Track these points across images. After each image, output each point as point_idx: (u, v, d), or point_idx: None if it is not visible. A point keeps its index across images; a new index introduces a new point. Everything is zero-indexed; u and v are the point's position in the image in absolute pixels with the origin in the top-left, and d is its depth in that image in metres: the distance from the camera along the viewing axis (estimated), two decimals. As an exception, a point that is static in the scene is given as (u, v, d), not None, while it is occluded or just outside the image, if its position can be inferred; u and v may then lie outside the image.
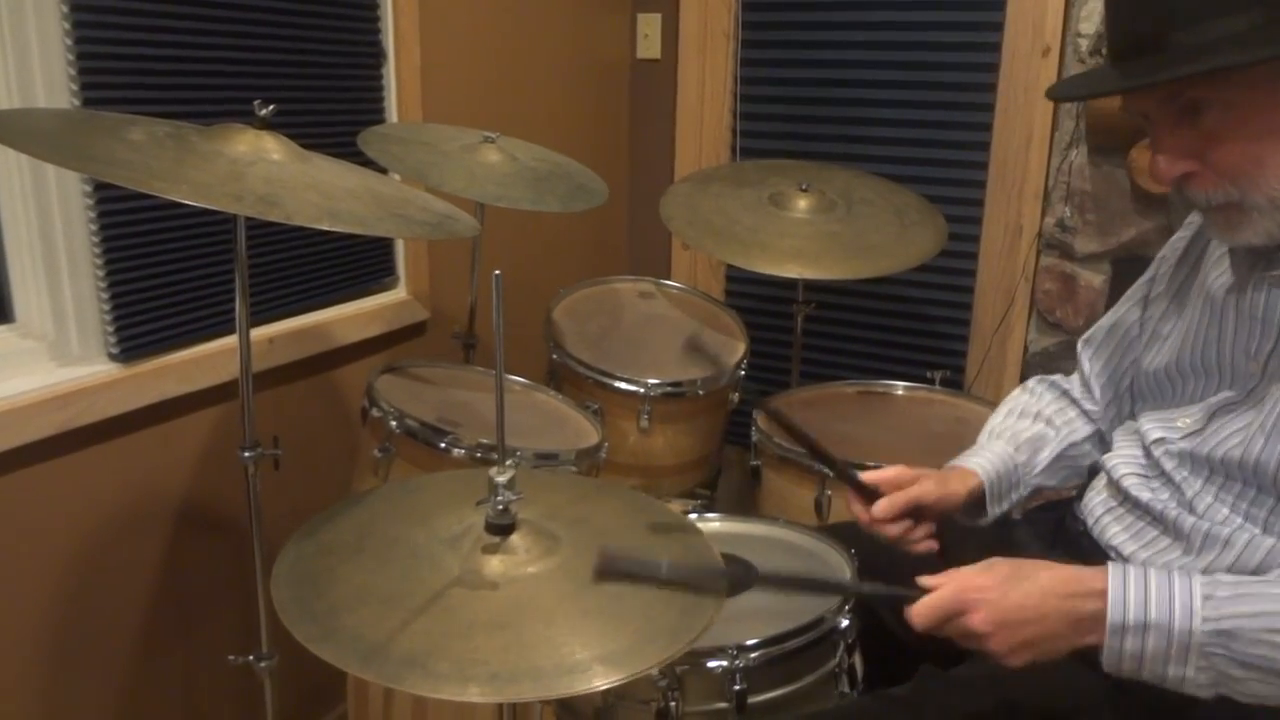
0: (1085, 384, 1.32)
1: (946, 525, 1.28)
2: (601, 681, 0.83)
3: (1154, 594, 0.90)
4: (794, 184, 2.00)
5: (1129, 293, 1.28)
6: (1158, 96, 0.98)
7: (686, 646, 0.89)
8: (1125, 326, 1.27)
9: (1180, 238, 1.21)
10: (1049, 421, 1.29)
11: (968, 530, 1.31)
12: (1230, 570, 1.01)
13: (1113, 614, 0.90)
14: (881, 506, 1.15)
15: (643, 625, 0.90)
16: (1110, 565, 0.94)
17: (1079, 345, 1.34)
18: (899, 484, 1.17)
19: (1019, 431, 1.29)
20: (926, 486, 1.17)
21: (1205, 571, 1.02)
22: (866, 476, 1.18)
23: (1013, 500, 1.26)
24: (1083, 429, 1.30)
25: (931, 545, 1.18)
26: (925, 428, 1.87)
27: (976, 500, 1.23)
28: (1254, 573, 1.00)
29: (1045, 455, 1.27)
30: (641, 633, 0.89)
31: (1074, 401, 1.32)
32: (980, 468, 1.24)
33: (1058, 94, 1.08)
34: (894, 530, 1.16)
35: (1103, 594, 0.92)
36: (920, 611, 0.97)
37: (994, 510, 1.24)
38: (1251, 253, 1.05)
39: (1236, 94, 0.93)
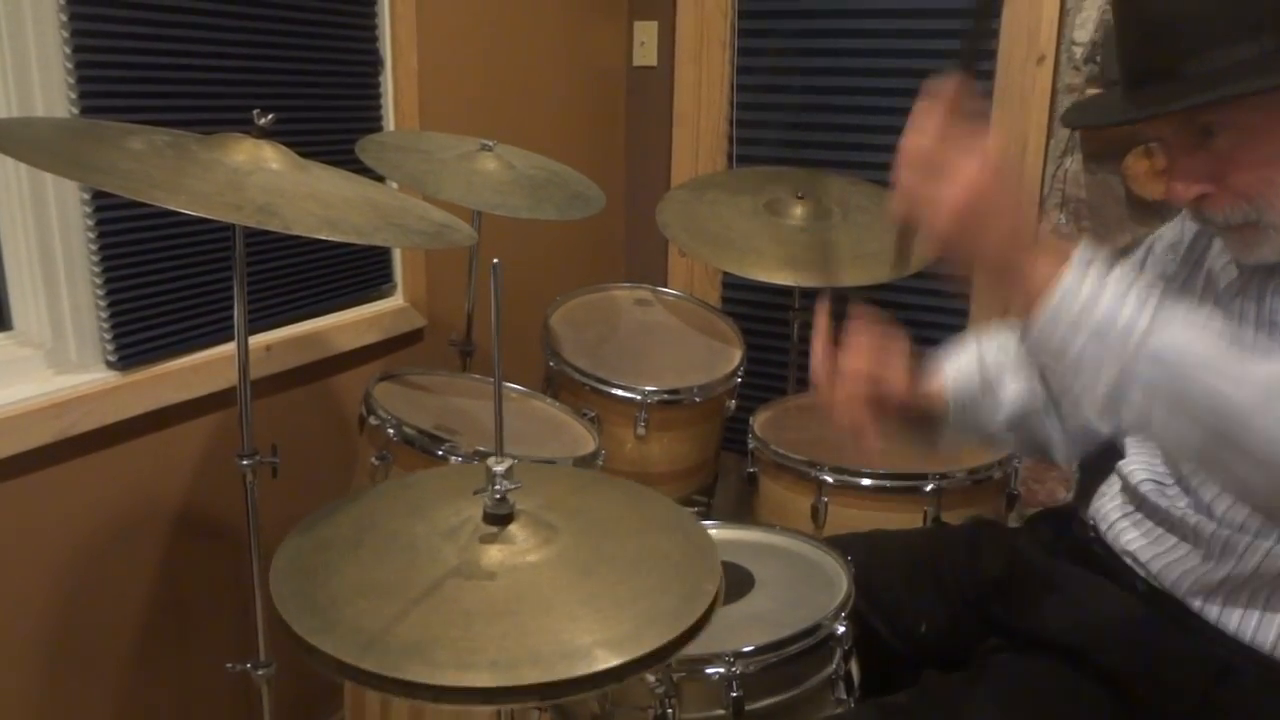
0: None
1: (950, 544, 1.26)
2: (604, 665, 0.83)
3: (1110, 287, 0.83)
4: (790, 191, 2.00)
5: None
6: (1172, 122, 0.99)
7: (685, 629, 0.89)
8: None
9: (1175, 240, 1.21)
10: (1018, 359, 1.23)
11: (974, 556, 1.30)
12: (1250, 580, 1.01)
13: (1069, 276, 0.83)
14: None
15: (643, 610, 0.91)
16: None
17: None
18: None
19: (1003, 345, 1.23)
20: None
21: (1227, 580, 1.02)
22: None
23: (986, 405, 1.19)
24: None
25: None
26: (921, 434, 1.87)
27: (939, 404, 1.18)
28: (1275, 581, 1.00)
29: (1015, 380, 1.20)
30: (641, 617, 0.90)
31: None
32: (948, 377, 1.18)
33: (1073, 122, 1.08)
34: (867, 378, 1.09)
35: (1060, 254, 0.85)
36: (937, 126, 0.87)
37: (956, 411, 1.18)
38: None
39: (1249, 117, 0.94)
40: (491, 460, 0.98)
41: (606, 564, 0.98)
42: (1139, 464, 1.16)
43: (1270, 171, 0.95)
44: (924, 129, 0.87)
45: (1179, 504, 1.09)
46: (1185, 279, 1.17)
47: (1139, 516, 1.14)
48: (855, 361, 1.09)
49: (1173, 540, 1.09)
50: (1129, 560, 1.12)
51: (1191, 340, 0.81)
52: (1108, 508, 1.19)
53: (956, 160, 0.86)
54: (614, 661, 0.84)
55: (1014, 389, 1.21)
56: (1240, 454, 0.80)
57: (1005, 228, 0.86)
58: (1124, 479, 1.18)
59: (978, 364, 1.22)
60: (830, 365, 1.09)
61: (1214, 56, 0.93)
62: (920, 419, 1.18)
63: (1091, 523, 1.20)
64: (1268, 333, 1.04)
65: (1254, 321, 1.06)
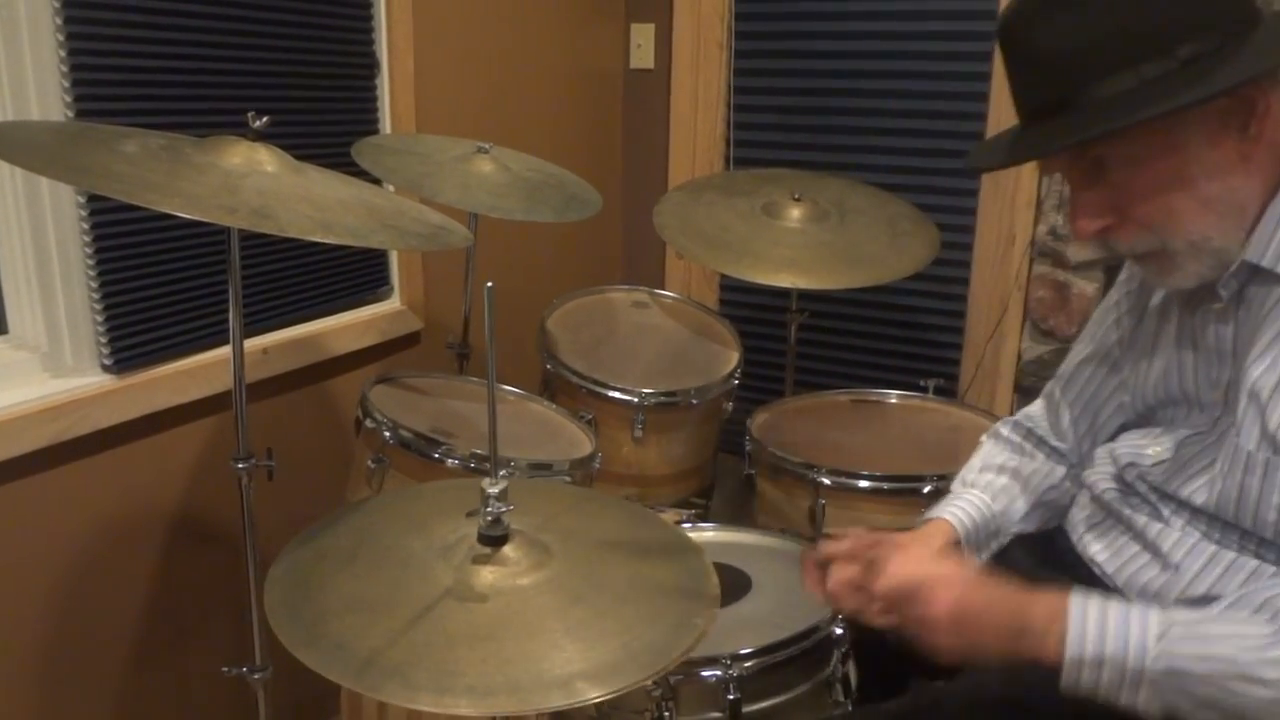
0: (1055, 423, 1.28)
1: None
2: (581, 697, 0.83)
3: (1111, 628, 0.90)
4: (787, 193, 2.00)
5: (1095, 321, 1.25)
6: (1064, 158, 1.00)
7: (671, 664, 0.89)
8: (1100, 356, 1.23)
9: (1127, 276, 1.20)
10: (1015, 474, 1.26)
11: None
12: (1208, 594, 1.00)
13: (1071, 648, 0.91)
14: (836, 577, 1.10)
15: (628, 640, 0.90)
16: (1073, 595, 0.93)
17: (1050, 385, 1.30)
18: (854, 554, 1.11)
19: (990, 482, 1.26)
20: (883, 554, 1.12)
21: (1186, 593, 1.01)
22: (823, 549, 1.13)
23: (993, 549, 1.23)
24: (1056, 471, 1.26)
25: (891, 618, 1.10)
26: (919, 436, 1.87)
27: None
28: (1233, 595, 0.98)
29: (1020, 505, 1.24)
30: (627, 648, 0.89)
31: (1041, 441, 1.28)
32: (954, 518, 1.20)
33: (972, 165, 1.10)
34: (849, 603, 1.09)
35: (1048, 615, 0.93)
36: (893, 576, 0.99)
37: (972, 559, 1.21)
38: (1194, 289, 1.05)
39: (1136, 147, 0.94)
40: (485, 482, 0.97)
41: (597, 590, 0.97)
42: (1101, 474, 1.15)
43: (1167, 198, 0.95)
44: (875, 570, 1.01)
45: (1141, 513, 1.08)
46: (1136, 324, 1.17)
47: (1103, 527, 1.13)
48: (843, 573, 1.11)
49: (1134, 549, 1.08)
50: (1096, 570, 1.12)
51: (1207, 647, 0.88)
52: (1077, 519, 1.18)
53: (924, 587, 0.97)
54: (593, 695, 0.84)
55: (1023, 503, 1.25)
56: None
57: (995, 614, 0.95)
58: (1089, 488, 1.17)
59: (986, 498, 1.24)
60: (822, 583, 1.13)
61: (1097, 87, 0.93)
62: None
63: (1066, 532, 1.20)
64: (1211, 359, 1.03)
65: (1195, 348, 1.05)
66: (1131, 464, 1.11)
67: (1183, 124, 0.92)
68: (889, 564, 1.01)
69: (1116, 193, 0.97)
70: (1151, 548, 1.06)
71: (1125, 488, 1.12)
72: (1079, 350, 1.26)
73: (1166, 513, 1.06)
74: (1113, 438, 1.20)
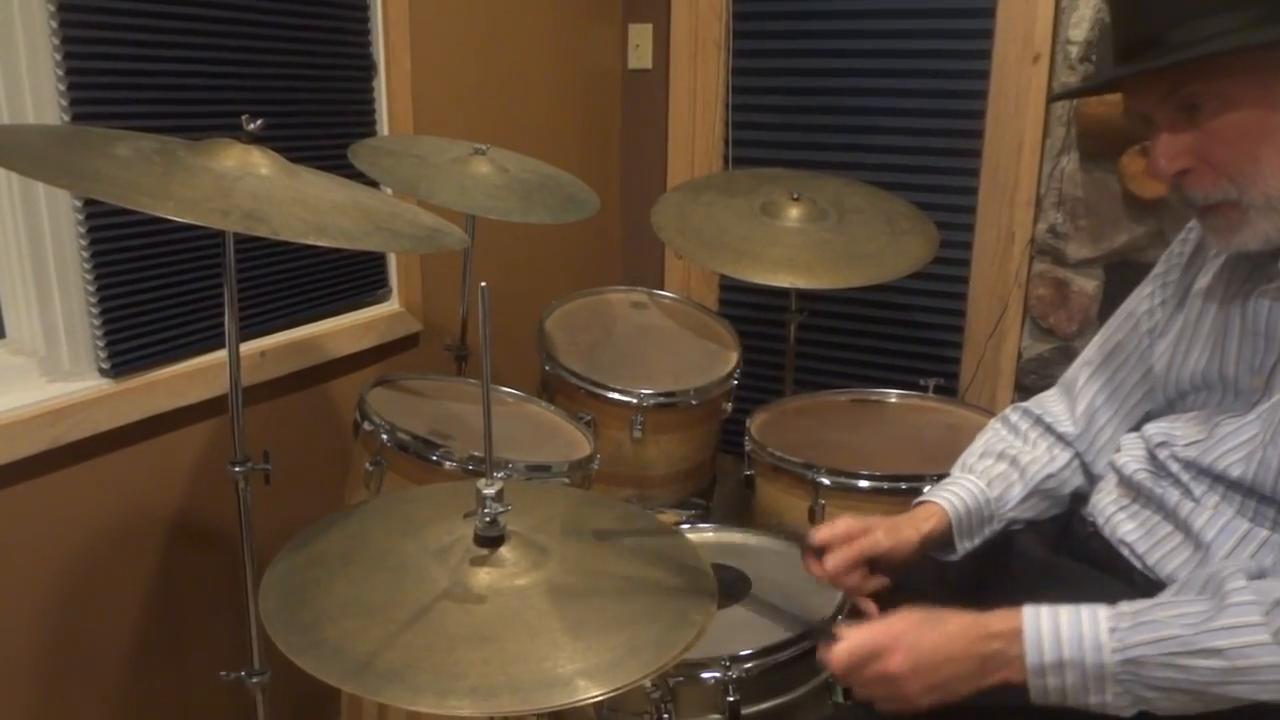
0: (1072, 407, 1.28)
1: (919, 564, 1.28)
2: (583, 695, 0.83)
3: (1064, 632, 0.93)
4: (786, 193, 2.00)
5: (1124, 311, 1.25)
6: (1156, 94, 1.00)
7: (673, 659, 0.89)
8: (1129, 345, 1.23)
9: (1178, 253, 1.20)
10: (1014, 461, 1.26)
11: (976, 554, 1.30)
12: (1243, 572, 0.99)
13: (1030, 656, 0.93)
14: (832, 561, 1.15)
15: (628, 639, 0.90)
16: (1025, 608, 0.95)
17: (1072, 371, 1.30)
18: (849, 537, 1.17)
19: (988, 469, 1.27)
20: (876, 538, 1.17)
21: (1218, 574, 1.01)
22: (817, 536, 1.18)
23: (985, 535, 1.24)
24: (1058, 459, 1.26)
25: (871, 607, 1.17)
26: (919, 435, 1.87)
27: (942, 536, 1.22)
28: (1266, 574, 0.98)
29: (1016, 493, 1.24)
30: (626, 646, 0.89)
31: (1048, 429, 1.28)
32: (947, 502, 1.22)
33: (1057, 95, 1.10)
34: (849, 582, 1.17)
35: (1006, 635, 0.95)
36: (841, 651, 1.00)
37: (963, 545, 1.23)
38: (1249, 263, 1.05)
39: (1231, 88, 0.94)
40: (481, 483, 0.97)
41: (594, 589, 0.98)
42: (1132, 455, 1.16)
43: (1253, 146, 0.95)
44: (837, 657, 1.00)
45: (1172, 494, 1.08)
46: (1174, 311, 1.17)
47: (1135, 508, 1.13)
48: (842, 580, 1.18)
49: (1167, 529, 1.08)
50: (1126, 551, 1.12)
51: (1155, 631, 0.90)
52: (1104, 502, 1.18)
53: (876, 646, 0.98)
54: (595, 692, 0.84)
55: (1018, 490, 1.25)
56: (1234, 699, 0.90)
57: (955, 649, 0.96)
58: (1118, 471, 1.17)
59: (982, 484, 1.25)
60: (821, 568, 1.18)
61: (1198, 26, 0.94)
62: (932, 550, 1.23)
63: (1090, 518, 1.19)
64: (1256, 343, 1.03)
65: (1239, 332, 1.05)
66: (1163, 444, 1.11)
67: (1278, 73, 0.93)
68: (845, 638, 1.02)
69: (1201, 136, 0.97)
70: (1184, 527, 1.06)
71: (1157, 468, 1.12)
72: (1106, 338, 1.26)
73: (1199, 492, 1.05)
74: (1137, 427, 1.20)
